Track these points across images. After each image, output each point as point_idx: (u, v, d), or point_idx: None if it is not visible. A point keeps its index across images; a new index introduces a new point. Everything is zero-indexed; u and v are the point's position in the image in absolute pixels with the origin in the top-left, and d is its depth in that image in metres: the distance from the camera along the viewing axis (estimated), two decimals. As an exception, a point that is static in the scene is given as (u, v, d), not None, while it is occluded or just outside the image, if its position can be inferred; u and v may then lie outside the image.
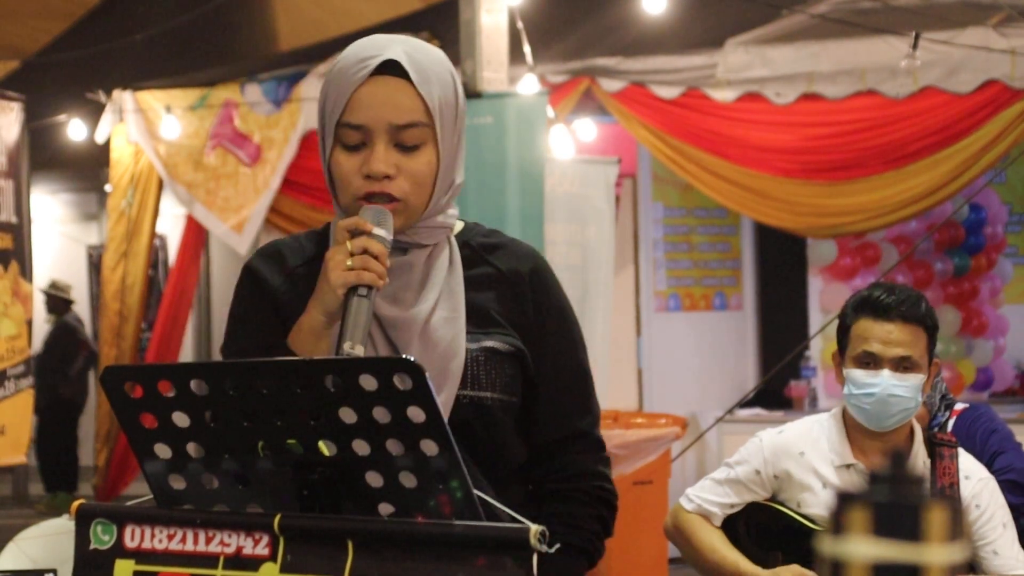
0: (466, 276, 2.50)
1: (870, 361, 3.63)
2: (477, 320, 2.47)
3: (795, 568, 3.66)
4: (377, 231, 2.37)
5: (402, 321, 2.43)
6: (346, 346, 2.28)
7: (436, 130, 2.42)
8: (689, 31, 9.34)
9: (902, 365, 3.60)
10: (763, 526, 3.78)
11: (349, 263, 2.34)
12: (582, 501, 2.50)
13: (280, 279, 2.52)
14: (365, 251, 2.34)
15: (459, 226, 2.57)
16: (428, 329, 2.42)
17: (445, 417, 2.33)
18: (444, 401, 2.39)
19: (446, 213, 2.50)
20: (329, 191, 2.51)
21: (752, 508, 3.80)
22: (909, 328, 3.61)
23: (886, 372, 3.60)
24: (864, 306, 3.65)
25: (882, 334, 3.61)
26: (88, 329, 13.74)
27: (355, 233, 2.36)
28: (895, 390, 3.59)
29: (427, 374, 2.05)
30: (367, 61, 2.40)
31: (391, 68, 2.40)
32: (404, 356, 2.19)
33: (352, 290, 2.34)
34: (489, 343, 2.46)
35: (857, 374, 3.63)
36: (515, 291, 2.51)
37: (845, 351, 3.69)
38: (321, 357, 2.36)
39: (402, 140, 2.41)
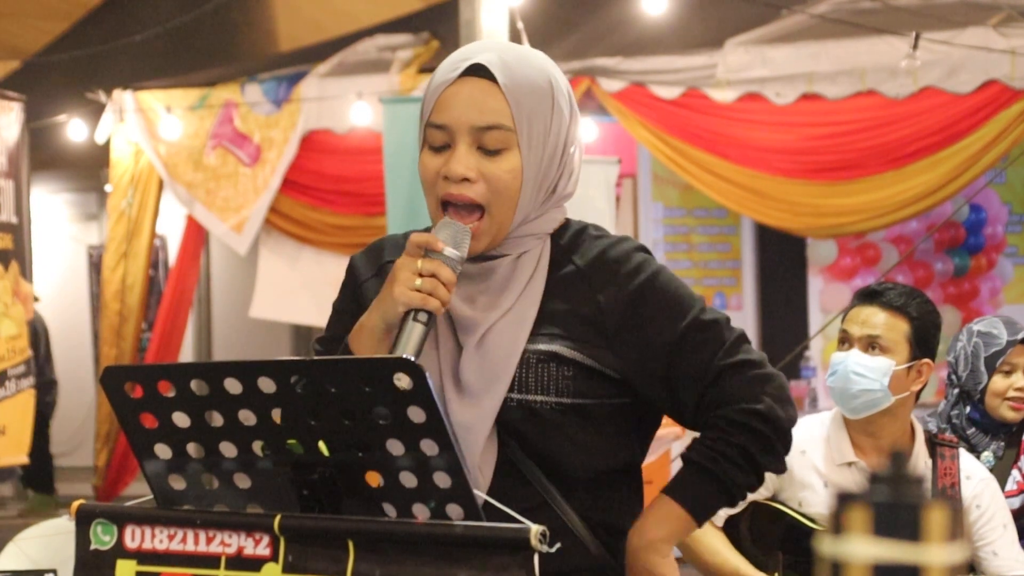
0: (550, 278, 2.42)
1: (845, 340, 3.72)
2: (549, 322, 2.39)
3: None
4: (449, 252, 2.32)
5: (471, 323, 2.38)
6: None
7: (525, 134, 2.35)
8: (689, 31, 9.34)
9: (869, 344, 3.66)
10: (764, 525, 3.78)
11: (418, 283, 2.29)
12: (721, 427, 2.37)
13: (371, 273, 2.51)
14: (434, 275, 2.29)
15: (556, 223, 2.47)
16: (490, 333, 2.37)
17: (491, 420, 2.34)
18: (490, 404, 2.35)
19: (543, 219, 2.43)
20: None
21: (754, 507, 3.80)
22: (888, 314, 3.68)
23: (854, 351, 3.67)
24: (859, 295, 3.76)
25: (860, 315, 3.71)
26: (88, 329, 13.73)
27: (427, 251, 2.31)
28: (856, 368, 3.65)
29: (427, 373, 2.05)
30: (459, 64, 2.37)
31: (481, 71, 2.36)
32: (404, 356, 2.19)
33: (411, 311, 2.30)
34: (546, 346, 2.38)
35: (833, 356, 3.72)
36: (587, 287, 2.40)
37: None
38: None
39: (484, 143, 2.35)
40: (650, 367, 2.38)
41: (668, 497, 2.38)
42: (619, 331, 2.38)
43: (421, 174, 2.41)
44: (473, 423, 2.34)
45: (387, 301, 2.32)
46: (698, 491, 2.38)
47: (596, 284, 2.40)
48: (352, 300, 2.52)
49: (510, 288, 2.40)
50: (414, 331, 2.29)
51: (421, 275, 2.29)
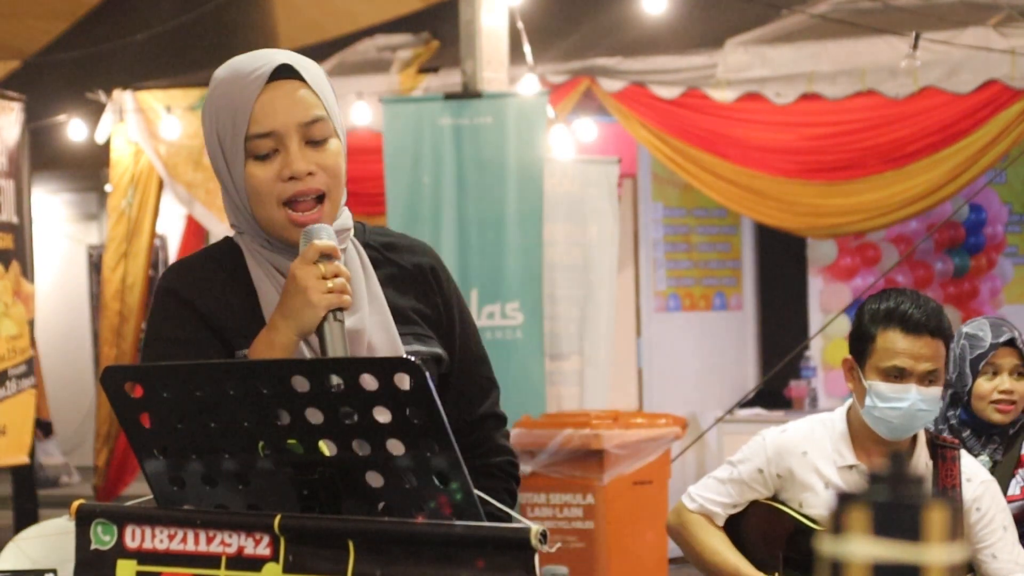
0: (379, 277, 2.54)
1: (898, 375, 3.61)
2: (405, 320, 2.52)
3: None
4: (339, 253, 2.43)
5: (353, 333, 2.44)
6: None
7: (335, 120, 2.48)
8: (689, 31, 9.34)
9: (928, 379, 3.60)
10: (765, 525, 3.78)
11: (330, 284, 2.36)
12: (497, 476, 2.63)
13: (208, 296, 2.50)
14: (337, 275, 2.38)
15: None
16: (372, 338, 2.45)
17: None
18: None
19: (345, 212, 2.54)
20: (232, 206, 2.51)
21: (755, 507, 3.80)
22: (936, 343, 3.61)
23: (914, 387, 3.58)
24: (892, 318, 3.62)
25: (912, 349, 3.60)
26: (88, 329, 13.74)
27: (326, 256, 2.39)
28: (922, 404, 3.59)
29: (427, 375, 2.05)
30: (257, 71, 2.45)
31: (281, 74, 2.46)
32: (404, 356, 2.19)
33: (330, 313, 2.37)
34: (424, 347, 2.52)
35: (883, 387, 3.61)
36: (422, 287, 2.57)
37: (865, 359, 3.66)
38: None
39: (311, 136, 2.45)
40: (458, 370, 2.59)
41: None
42: (452, 333, 2.58)
43: (253, 185, 2.45)
44: None
45: (303, 310, 2.36)
46: None
47: (428, 286, 2.57)
48: (190, 326, 2.48)
49: (354, 290, 2.46)
50: (335, 331, 2.36)
51: (325, 278, 2.36)
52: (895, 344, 3.61)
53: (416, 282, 2.58)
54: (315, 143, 2.46)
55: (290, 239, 2.44)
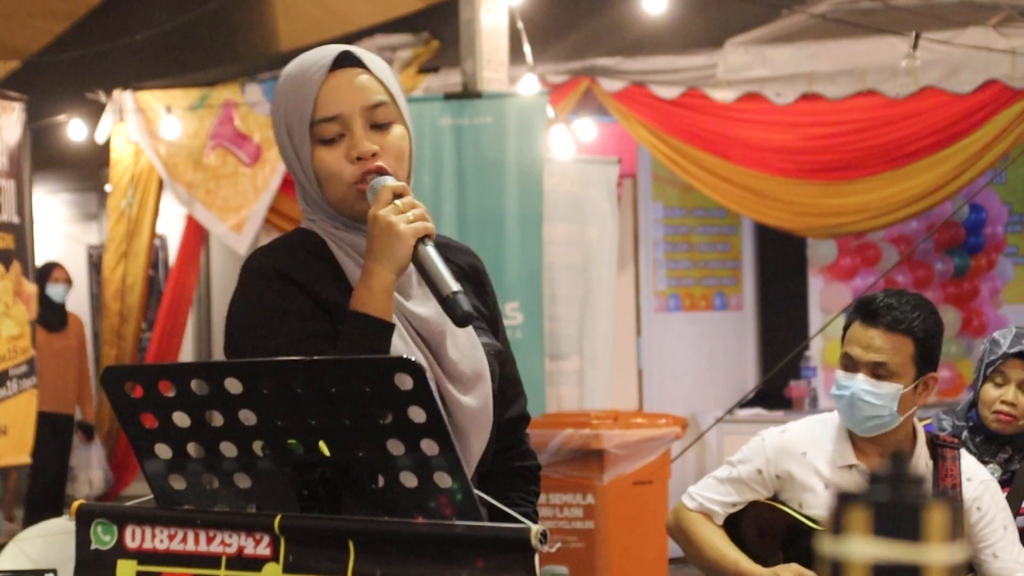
0: None
1: (848, 363, 3.65)
2: None
3: (794, 567, 3.66)
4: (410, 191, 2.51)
5: (427, 317, 2.49)
6: (454, 286, 2.38)
7: (400, 107, 2.54)
8: (689, 31, 9.34)
9: (877, 372, 3.61)
10: (765, 525, 3.78)
11: (411, 215, 2.43)
12: (528, 479, 2.73)
13: (306, 272, 2.53)
14: (414, 206, 2.46)
15: None
16: (449, 324, 2.47)
17: (490, 413, 2.49)
18: (486, 395, 2.50)
19: None
20: (304, 194, 2.55)
21: (754, 507, 3.80)
22: (892, 336, 3.61)
23: (860, 376, 3.62)
24: (859, 309, 3.69)
25: (864, 339, 3.64)
26: (88, 329, 13.73)
27: (398, 196, 2.46)
28: (864, 396, 3.60)
29: (428, 372, 2.05)
30: (320, 61, 2.52)
31: (343, 63, 2.53)
32: (405, 356, 2.19)
33: (419, 242, 2.43)
34: (487, 340, 2.58)
35: (838, 374, 3.70)
36: (477, 286, 2.65)
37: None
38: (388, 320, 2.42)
39: (376, 119, 2.51)
40: (502, 369, 2.63)
41: None
42: (498, 332, 2.65)
43: (322, 168, 2.51)
44: (483, 408, 2.49)
45: (393, 244, 2.41)
46: None
47: (481, 285, 2.66)
48: (296, 301, 2.49)
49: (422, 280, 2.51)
50: (432, 255, 2.43)
51: (403, 211, 2.43)
52: (852, 333, 3.69)
53: (472, 281, 2.64)
54: (380, 127, 2.52)
55: (364, 212, 2.47)
